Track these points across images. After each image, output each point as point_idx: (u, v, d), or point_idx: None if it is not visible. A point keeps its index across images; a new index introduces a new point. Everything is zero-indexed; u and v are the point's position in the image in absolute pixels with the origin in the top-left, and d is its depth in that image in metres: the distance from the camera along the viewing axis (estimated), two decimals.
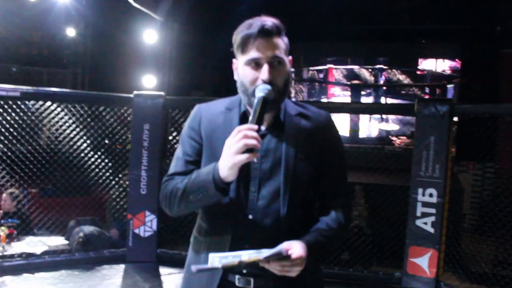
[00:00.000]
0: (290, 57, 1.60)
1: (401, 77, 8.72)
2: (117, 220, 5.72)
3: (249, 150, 1.37)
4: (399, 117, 8.17)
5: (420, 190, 4.57)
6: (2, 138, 4.79)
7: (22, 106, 4.80)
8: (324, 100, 9.16)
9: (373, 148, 7.93)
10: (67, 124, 5.14)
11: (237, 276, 1.55)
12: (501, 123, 5.57)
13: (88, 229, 5.02)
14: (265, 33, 1.50)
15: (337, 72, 9.03)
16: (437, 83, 8.53)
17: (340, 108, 5.27)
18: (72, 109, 5.12)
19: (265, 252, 1.39)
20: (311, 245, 1.48)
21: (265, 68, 1.50)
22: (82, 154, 5.33)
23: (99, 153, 5.50)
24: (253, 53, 1.51)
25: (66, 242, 5.05)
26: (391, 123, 8.74)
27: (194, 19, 8.93)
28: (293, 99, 8.82)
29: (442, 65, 8.58)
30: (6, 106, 4.69)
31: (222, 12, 8.78)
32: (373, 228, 5.75)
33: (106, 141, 5.72)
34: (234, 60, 1.62)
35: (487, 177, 7.62)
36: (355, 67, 8.87)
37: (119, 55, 9.30)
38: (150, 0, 8.12)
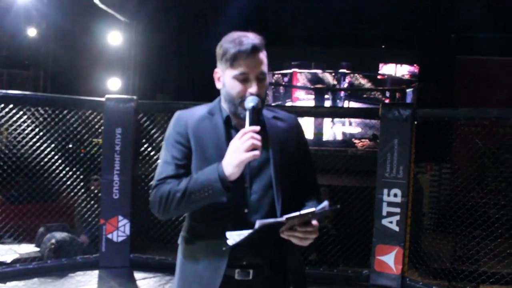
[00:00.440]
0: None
1: (363, 81, 9.06)
2: (87, 226, 5.67)
3: (253, 148, 1.55)
4: (362, 120, 8.49)
5: (385, 191, 4.81)
6: None
7: None
8: (289, 103, 9.37)
9: (336, 150, 8.19)
10: (30, 128, 5.03)
11: (237, 270, 1.68)
12: (456, 126, 5.92)
13: (60, 235, 4.98)
14: (254, 51, 1.65)
15: (301, 76, 9.26)
16: (397, 87, 8.92)
17: (308, 112, 5.46)
18: (35, 112, 5.04)
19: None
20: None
21: (254, 83, 1.66)
22: (46, 159, 5.20)
23: (63, 158, 5.42)
24: (242, 69, 1.65)
25: (37, 249, 4.98)
26: (354, 126, 9.06)
27: (159, 21, 8.92)
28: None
29: (401, 70, 8.98)
30: None
31: (188, 14, 8.82)
32: (338, 229, 5.97)
33: (70, 146, 5.67)
34: (216, 70, 1.75)
35: (443, 177, 8.05)
36: (319, 71, 9.15)
37: (82, 57, 9.15)
38: (115, 1, 8.04)
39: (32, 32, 9.12)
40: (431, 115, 4.86)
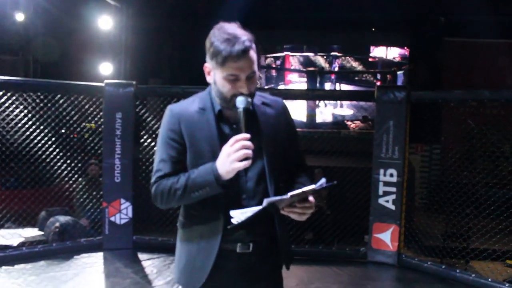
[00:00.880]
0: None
1: (355, 64, 9.18)
2: (86, 209, 5.74)
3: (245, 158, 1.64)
4: (353, 102, 8.62)
5: (381, 171, 4.97)
6: None
7: None
8: (281, 86, 9.45)
9: (329, 132, 8.33)
10: (22, 114, 5.02)
11: (238, 244, 1.81)
12: (446, 107, 6.07)
13: (64, 219, 5.05)
14: (244, 52, 1.68)
15: (294, 59, 9.34)
16: (388, 70, 9.07)
17: (306, 95, 5.54)
18: (28, 98, 5.04)
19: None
20: None
21: (245, 83, 1.71)
22: (39, 145, 5.15)
23: (57, 143, 5.44)
24: (233, 70, 1.69)
25: (41, 233, 5.04)
26: (345, 108, 9.20)
27: (150, 4, 8.87)
28: None
29: (392, 53, 9.12)
30: None
31: None
32: (332, 208, 6.12)
33: (63, 130, 5.69)
34: (206, 65, 1.79)
35: (434, 158, 8.27)
36: (311, 54, 9.23)
37: (72, 42, 9.08)
38: None
39: (20, 17, 8.99)
40: (425, 97, 5.01)
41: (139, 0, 8.69)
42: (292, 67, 9.34)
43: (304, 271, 4.59)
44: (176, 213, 5.19)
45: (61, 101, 5.09)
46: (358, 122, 8.89)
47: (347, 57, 9.17)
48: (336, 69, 9.22)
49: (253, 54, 1.71)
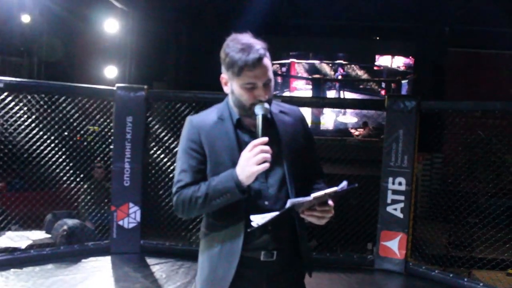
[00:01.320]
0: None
1: (360, 72, 9.25)
2: (91, 213, 5.72)
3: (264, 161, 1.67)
4: (356, 110, 8.67)
5: (390, 179, 5.00)
6: None
7: None
8: (287, 93, 9.50)
9: (333, 140, 8.36)
10: (26, 116, 4.99)
11: (262, 252, 1.82)
12: (446, 117, 6.10)
13: (72, 222, 5.04)
14: (260, 61, 1.72)
15: (299, 66, 9.39)
16: (392, 79, 9.14)
17: (316, 102, 5.58)
18: (32, 100, 5.03)
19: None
20: None
21: (263, 91, 1.75)
22: (42, 147, 5.08)
23: (62, 146, 5.42)
24: (250, 79, 1.73)
25: (49, 235, 5.03)
26: (349, 116, 9.26)
27: (156, 8, 8.90)
28: None
29: (397, 62, 9.19)
30: None
31: (184, 1, 8.82)
32: (335, 216, 6.12)
33: (66, 133, 5.68)
34: (222, 75, 1.84)
35: (435, 167, 8.31)
36: (316, 62, 9.29)
37: (78, 44, 9.11)
38: None
39: (26, 18, 9.00)
40: (435, 107, 5.04)
41: (145, 3, 8.71)
42: (298, 74, 9.39)
43: (313, 278, 4.58)
44: (183, 219, 5.21)
45: (64, 104, 5.03)
46: (361, 130, 8.94)
47: (352, 65, 9.24)
48: (340, 77, 9.28)
49: (267, 61, 1.75)
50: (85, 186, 5.70)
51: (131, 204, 5.11)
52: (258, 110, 1.74)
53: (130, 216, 5.12)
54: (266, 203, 1.81)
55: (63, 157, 5.31)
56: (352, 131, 9.08)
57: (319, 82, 9.23)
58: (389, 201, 5.00)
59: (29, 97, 4.79)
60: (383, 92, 9.23)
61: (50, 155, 5.16)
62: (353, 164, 6.13)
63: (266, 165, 1.67)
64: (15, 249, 4.60)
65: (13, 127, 4.95)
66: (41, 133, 5.08)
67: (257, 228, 1.70)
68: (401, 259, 4.92)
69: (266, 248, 1.81)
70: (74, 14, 8.82)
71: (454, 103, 4.97)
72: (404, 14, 7.73)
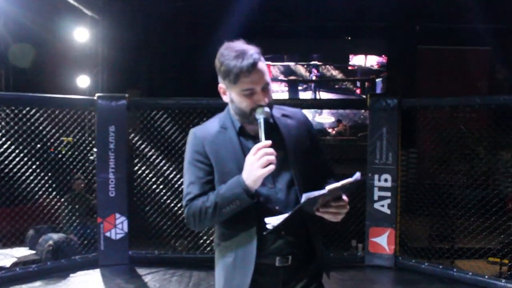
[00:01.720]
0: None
1: (334, 72, 9.37)
2: (75, 225, 5.58)
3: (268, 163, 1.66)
4: (332, 110, 8.77)
5: (376, 176, 5.08)
6: None
7: None
8: None
9: None
10: None
11: (277, 257, 1.81)
12: (419, 112, 6.23)
13: (57, 236, 4.90)
14: (255, 66, 1.70)
15: (274, 68, 9.43)
16: (366, 78, 9.30)
17: (300, 105, 5.61)
18: (1, 112, 4.88)
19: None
20: None
21: (261, 95, 1.74)
22: (17, 161, 4.93)
23: (37, 159, 5.26)
24: (247, 85, 1.72)
25: (33, 252, 4.88)
26: (325, 115, 9.36)
27: (128, 16, 8.78)
28: None
29: (370, 61, 9.36)
30: None
31: (156, 8, 8.73)
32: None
33: (38, 146, 5.52)
34: (220, 85, 1.82)
35: (411, 161, 8.49)
36: (291, 64, 9.35)
37: (47, 54, 8.85)
38: None
39: None
40: (417, 104, 5.16)
41: (116, 11, 8.58)
42: (273, 77, 9.44)
43: None
44: (172, 226, 5.14)
45: (36, 116, 4.87)
46: (339, 127, 9.05)
47: (327, 66, 9.35)
48: (314, 77, 9.38)
49: (263, 65, 1.74)
50: (66, 198, 5.56)
51: (117, 215, 5.01)
52: (259, 115, 1.72)
53: (117, 226, 5.02)
54: (277, 207, 1.79)
55: (37, 170, 5.14)
56: (330, 130, 9.20)
57: (295, 84, 9.29)
58: (376, 198, 5.08)
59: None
60: (358, 91, 9.40)
61: (23, 169, 4.98)
62: (333, 163, 6.18)
63: (272, 167, 1.65)
64: (0, 268, 4.43)
65: None
66: (13, 147, 4.91)
67: (273, 230, 1.69)
68: (390, 254, 5.00)
69: (281, 253, 1.80)
70: (41, 24, 8.58)
71: (435, 99, 5.09)
72: (376, 13, 7.88)
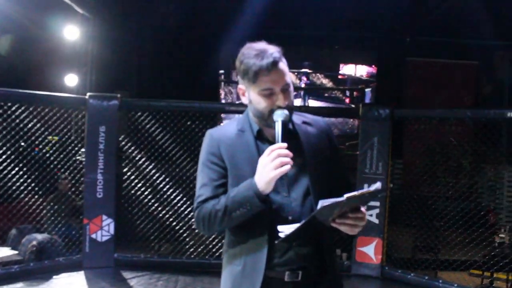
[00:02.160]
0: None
1: (325, 81, 9.42)
2: (58, 226, 5.47)
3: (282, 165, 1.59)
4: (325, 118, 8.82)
5: (365, 186, 5.09)
6: None
7: None
8: None
9: None
10: None
11: (287, 272, 1.73)
12: (405, 124, 6.28)
13: (42, 236, 4.80)
14: (276, 64, 1.66)
15: None
16: (356, 87, 9.37)
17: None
18: None
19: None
20: None
21: (281, 96, 1.68)
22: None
23: (21, 157, 5.16)
24: (266, 85, 1.67)
25: (15, 252, 4.77)
26: None
27: (120, 15, 8.70)
28: (223, 101, 8.98)
29: (360, 70, 9.44)
30: None
31: (147, 8, 8.68)
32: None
33: (23, 143, 5.43)
34: (240, 86, 1.77)
35: (396, 172, 8.56)
36: None
37: (36, 51, 8.72)
38: None
39: None
40: (408, 115, 5.21)
41: (108, 10, 8.50)
42: None
43: None
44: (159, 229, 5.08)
45: (18, 113, 4.75)
46: None
47: (317, 74, 9.40)
48: (303, 85, 9.41)
49: (284, 66, 1.69)
50: (51, 198, 5.45)
51: (104, 217, 4.94)
52: (277, 116, 1.65)
53: (104, 228, 4.94)
54: (290, 217, 1.72)
55: (24, 169, 5.04)
56: None
57: None
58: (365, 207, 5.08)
59: None
60: (347, 100, 9.46)
61: (8, 167, 4.87)
62: None
63: (285, 168, 1.57)
64: None
65: None
66: None
67: (285, 239, 1.63)
68: (377, 263, 5.02)
69: (291, 266, 1.72)
70: (31, 20, 8.45)
71: (426, 110, 5.16)
72: (368, 25, 7.95)
